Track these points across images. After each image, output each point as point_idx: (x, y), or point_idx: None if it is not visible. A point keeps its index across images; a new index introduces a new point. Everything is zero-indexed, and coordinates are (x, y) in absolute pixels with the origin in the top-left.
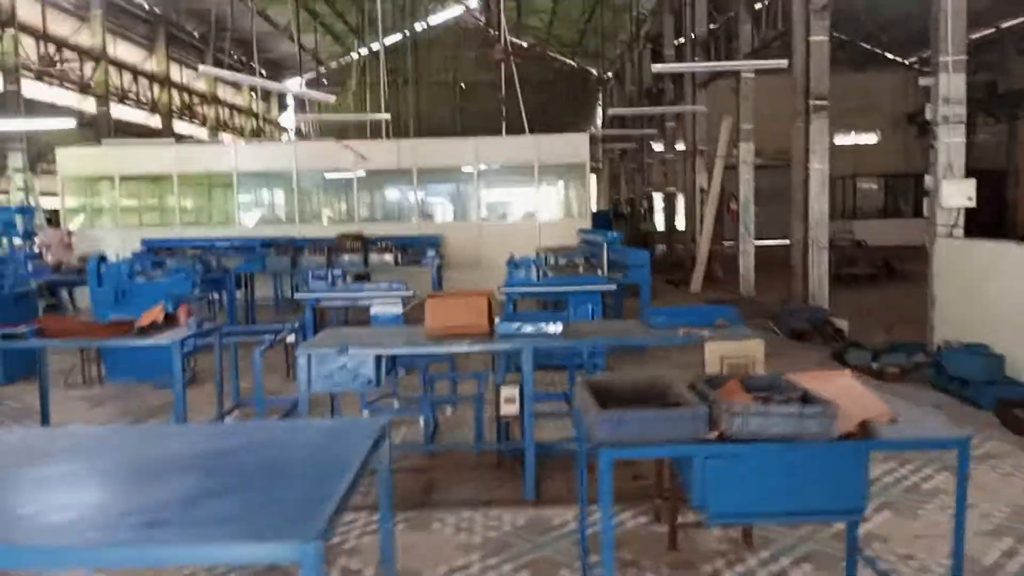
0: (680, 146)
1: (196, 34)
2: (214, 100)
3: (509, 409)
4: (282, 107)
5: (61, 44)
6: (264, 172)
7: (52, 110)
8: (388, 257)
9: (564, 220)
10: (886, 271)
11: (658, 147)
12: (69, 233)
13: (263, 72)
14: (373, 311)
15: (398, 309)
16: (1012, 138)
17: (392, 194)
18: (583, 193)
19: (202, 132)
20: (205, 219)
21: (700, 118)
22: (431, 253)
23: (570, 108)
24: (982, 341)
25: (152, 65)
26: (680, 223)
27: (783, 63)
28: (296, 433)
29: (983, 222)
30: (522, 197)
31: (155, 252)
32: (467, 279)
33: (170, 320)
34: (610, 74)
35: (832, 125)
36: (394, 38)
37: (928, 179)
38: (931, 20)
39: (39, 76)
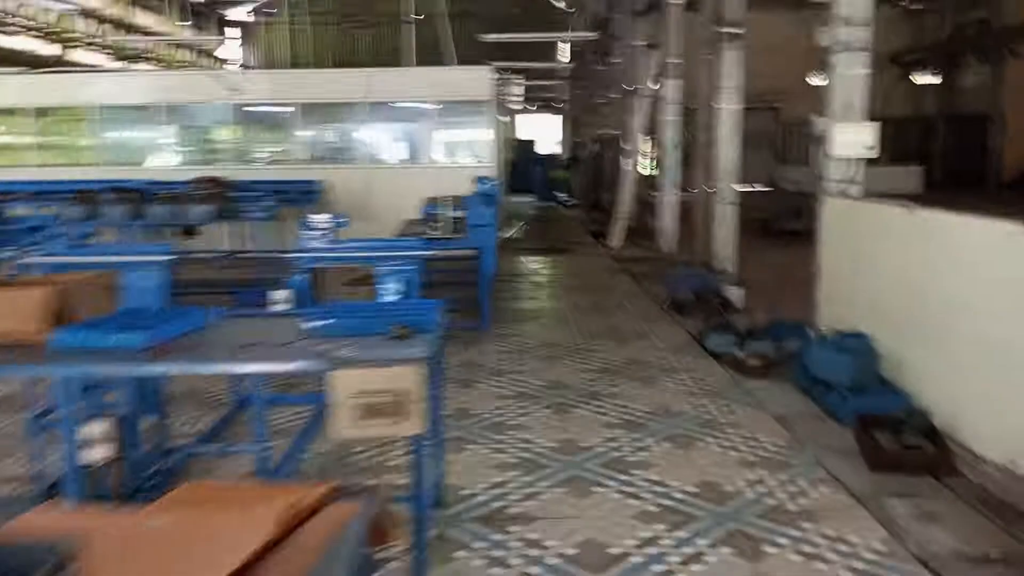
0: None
1: None
2: (126, 27)
3: (93, 454)
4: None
5: None
6: (130, 105)
7: None
8: (204, 208)
9: (470, 167)
10: None
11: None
12: None
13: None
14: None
15: None
16: (998, 81)
17: (277, 134)
18: (488, 135)
19: (116, 65)
20: (68, 159)
21: (638, 53)
22: (264, 204)
23: (537, 46)
24: (866, 329)
25: None
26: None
27: None
28: None
29: (964, 169)
30: (420, 138)
31: None
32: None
33: None
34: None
35: (808, 66)
36: None
37: (818, 122)
38: None
39: None
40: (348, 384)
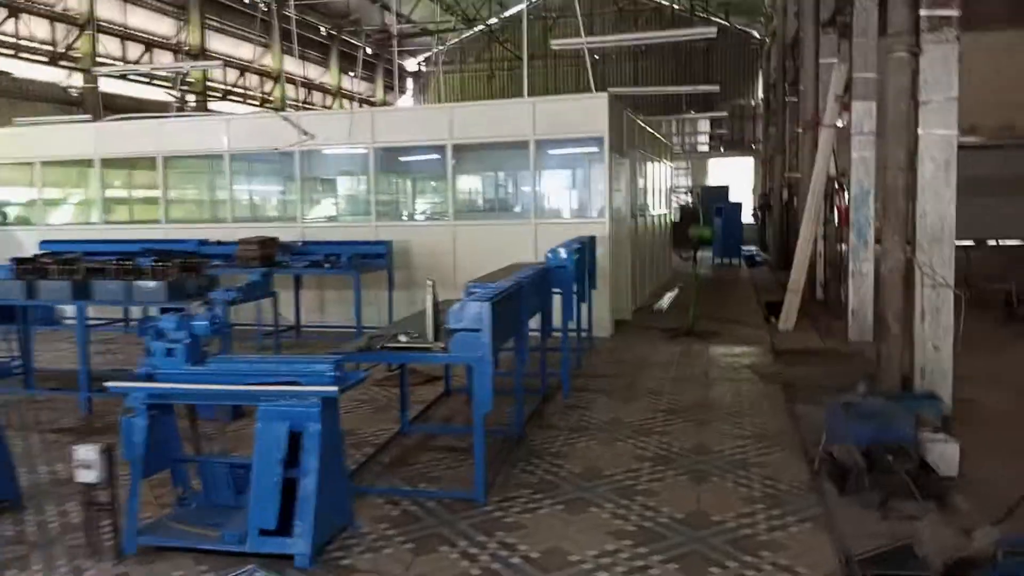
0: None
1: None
2: (276, 78)
3: None
4: (388, 88)
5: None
6: (193, 153)
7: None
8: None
9: (576, 222)
10: None
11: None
12: None
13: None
14: None
15: None
16: None
17: (348, 184)
18: (600, 181)
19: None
20: (146, 214)
21: (822, 73)
22: (251, 278)
23: (732, 76)
24: None
25: (190, 38)
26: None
27: None
28: None
29: None
30: (517, 188)
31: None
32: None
33: None
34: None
35: None
36: (517, 7)
37: None
38: None
39: None
40: None
